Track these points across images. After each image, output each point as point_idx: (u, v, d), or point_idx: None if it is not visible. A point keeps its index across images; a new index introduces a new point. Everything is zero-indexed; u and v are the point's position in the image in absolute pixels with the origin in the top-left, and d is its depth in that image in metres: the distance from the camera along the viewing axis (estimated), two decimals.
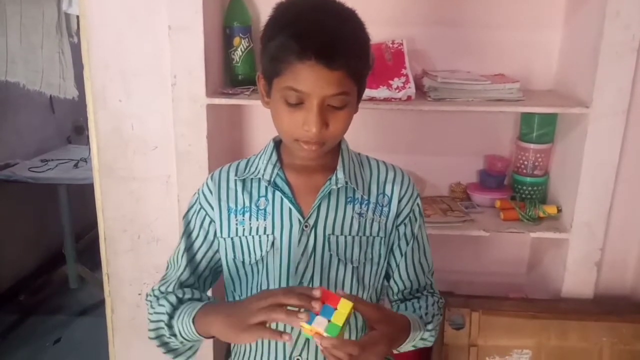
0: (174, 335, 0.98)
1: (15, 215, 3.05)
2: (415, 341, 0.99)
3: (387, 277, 1.08)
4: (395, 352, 1.04)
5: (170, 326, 0.98)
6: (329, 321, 0.80)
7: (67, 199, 2.97)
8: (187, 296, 1.01)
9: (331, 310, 0.81)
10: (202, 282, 1.08)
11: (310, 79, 0.87)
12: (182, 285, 1.06)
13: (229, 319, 0.88)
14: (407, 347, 0.98)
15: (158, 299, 1.04)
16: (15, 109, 3.03)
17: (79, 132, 3.59)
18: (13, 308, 2.93)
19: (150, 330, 1.02)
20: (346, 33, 0.89)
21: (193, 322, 0.93)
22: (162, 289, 1.06)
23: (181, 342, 1.00)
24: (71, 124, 3.58)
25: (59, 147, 3.36)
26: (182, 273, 1.06)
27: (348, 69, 0.88)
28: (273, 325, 0.90)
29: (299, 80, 0.87)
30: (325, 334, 0.80)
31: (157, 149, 1.63)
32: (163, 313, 0.99)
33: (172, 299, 1.00)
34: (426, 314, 1.03)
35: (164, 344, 1.02)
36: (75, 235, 3.07)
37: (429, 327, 1.01)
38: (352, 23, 0.92)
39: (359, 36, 0.93)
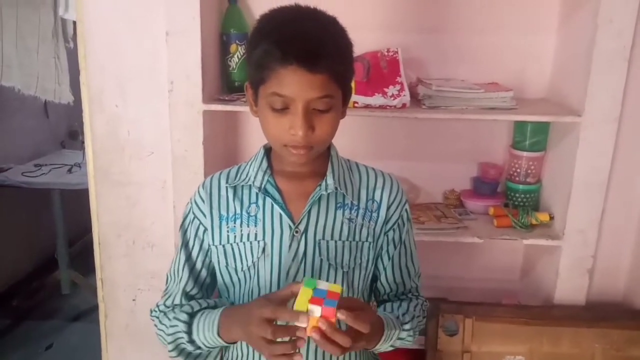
0: (199, 348, 1.01)
1: (8, 220, 3.04)
2: (392, 340, 0.99)
3: (374, 279, 1.10)
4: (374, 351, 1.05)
5: (192, 341, 1.00)
6: (324, 299, 0.83)
7: (60, 204, 2.95)
8: (197, 308, 1.03)
9: (324, 292, 0.84)
10: (205, 289, 1.09)
11: (293, 83, 0.89)
12: (187, 295, 1.06)
13: (247, 336, 0.91)
14: (384, 346, 0.99)
15: (165, 313, 1.06)
16: (9, 113, 3.02)
17: (73, 137, 3.58)
18: (6, 313, 2.91)
19: (169, 346, 1.03)
20: (327, 38, 0.92)
21: (219, 335, 0.96)
22: (168, 303, 1.08)
23: (207, 350, 1.02)
24: (65, 129, 3.57)
25: (52, 152, 3.35)
26: (185, 284, 1.06)
27: (330, 72, 0.90)
28: None
29: (282, 85, 0.90)
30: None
31: (153, 154, 1.64)
32: (180, 331, 1.00)
33: (183, 317, 1.01)
34: (404, 314, 1.04)
35: (187, 355, 1.04)
36: (68, 240, 3.06)
37: (406, 327, 1.02)
38: (332, 28, 0.95)
39: (340, 41, 0.95)
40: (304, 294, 0.84)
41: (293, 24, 0.92)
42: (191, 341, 1.00)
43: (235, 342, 1.00)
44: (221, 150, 1.77)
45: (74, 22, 2.43)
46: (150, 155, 1.64)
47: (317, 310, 0.82)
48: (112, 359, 1.82)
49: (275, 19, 0.95)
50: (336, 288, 0.85)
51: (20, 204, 3.09)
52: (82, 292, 3.05)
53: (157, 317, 1.07)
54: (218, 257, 1.04)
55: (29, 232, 3.25)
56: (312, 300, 0.83)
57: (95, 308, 1.82)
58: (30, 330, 2.82)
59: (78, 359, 2.57)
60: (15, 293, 3.05)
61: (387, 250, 1.07)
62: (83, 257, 3.15)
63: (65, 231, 3.01)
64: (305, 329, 0.83)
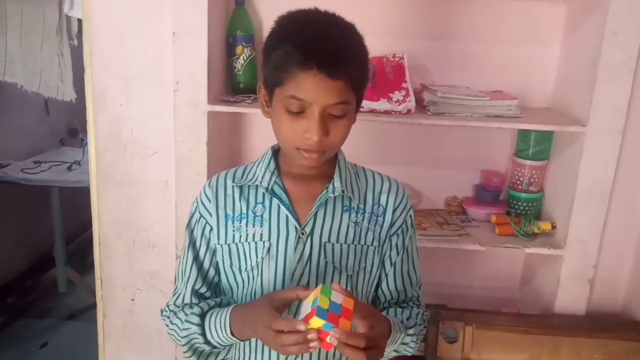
0: (214, 347, 1.01)
1: (6, 217, 3.02)
2: (396, 345, 0.99)
3: (376, 286, 1.09)
4: None
5: (207, 342, 1.00)
6: (339, 317, 0.82)
7: (59, 202, 2.94)
8: (206, 309, 1.03)
9: (338, 306, 0.83)
10: (214, 288, 1.08)
11: (312, 88, 0.89)
12: (196, 293, 1.06)
13: (258, 335, 0.91)
14: (389, 350, 0.98)
15: (176, 313, 1.06)
16: (9, 109, 3.01)
17: (72, 134, 3.58)
18: (0, 310, 2.89)
19: (184, 347, 1.04)
20: (347, 44, 0.92)
21: (232, 334, 0.96)
22: (178, 302, 1.07)
23: (222, 346, 1.02)
24: (65, 126, 3.56)
25: (52, 149, 3.34)
26: (194, 282, 1.06)
27: (349, 79, 0.91)
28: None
29: (301, 89, 0.89)
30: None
31: (156, 154, 1.63)
32: (194, 333, 1.00)
33: (195, 319, 1.01)
34: (408, 318, 1.04)
35: (204, 355, 1.05)
36: (65, 238, 3.05)
37: (410, 331, 1.01)
38: (352, 35, 0.95)
39: (359, 48, 0.96)
40: (322, 302, 0.82)
41: (315, 28, 0.91)
42: (207, 342, 1.00)
43: (248, 339, 1.01)
44: (225, 151, 1.76)
45: (79, 20, 2.43)
46: (153, 155, 1.63)
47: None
48: (109, 358, 1.81)
49: (296, 22, 0.94)
50: (349, 304, 0.84)
51: (18, 201, 3.08)
52: (79, 291, 3.04)
53: (168, 317, 1.08)
54: (223, 257, 1.04)
55: (27, 229, 3.23)
56: (328, 318, 0.81)
57: (91, 307, 1.81)
58: (25, 328, 2.81)
59: (73, 358, 2.55)
60: (10, 290, 3.04)
61: (390, 256, 1.07)
62: (80, 256, 3.15)
63: (63, 229, 3.00)
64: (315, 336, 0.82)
